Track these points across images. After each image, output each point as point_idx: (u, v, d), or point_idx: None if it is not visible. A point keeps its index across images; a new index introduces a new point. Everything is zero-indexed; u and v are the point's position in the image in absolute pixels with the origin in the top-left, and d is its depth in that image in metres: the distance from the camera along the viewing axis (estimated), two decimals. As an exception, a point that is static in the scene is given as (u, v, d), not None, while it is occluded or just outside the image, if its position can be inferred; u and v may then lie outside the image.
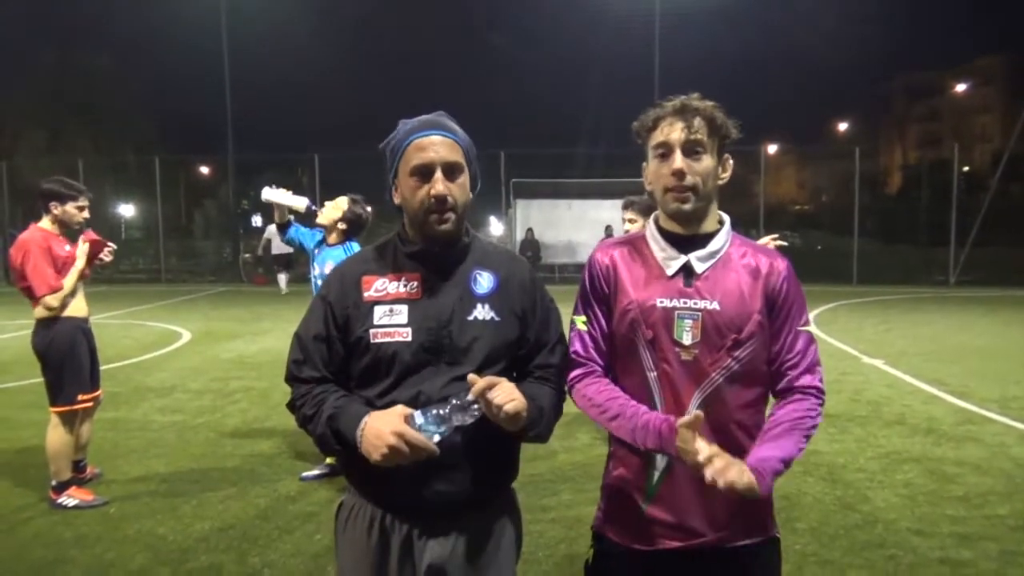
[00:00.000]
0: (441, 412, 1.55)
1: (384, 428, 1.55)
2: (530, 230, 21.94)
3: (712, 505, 1.70)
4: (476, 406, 1.56)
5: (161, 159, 24.69)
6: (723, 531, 1.72)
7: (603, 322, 1.82)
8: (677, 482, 1.72)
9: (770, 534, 1.78)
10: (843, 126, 47.15)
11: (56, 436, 4.42)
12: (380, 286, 1.74)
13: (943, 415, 6.37)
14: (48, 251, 4.27)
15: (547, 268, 22.50)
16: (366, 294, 1.73)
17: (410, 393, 1.67)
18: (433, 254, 1.75)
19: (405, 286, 1.73)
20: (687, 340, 1.70)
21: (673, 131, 1.70)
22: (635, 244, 1.83)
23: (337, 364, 1.76)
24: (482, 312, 1.73)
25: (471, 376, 1.58)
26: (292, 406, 1.78)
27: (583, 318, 1.87)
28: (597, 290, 1.83)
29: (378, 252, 1.82)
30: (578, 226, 21.63)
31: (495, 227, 28.87)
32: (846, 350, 9.69)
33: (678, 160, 1.69)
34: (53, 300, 4.27)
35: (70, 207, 4.37)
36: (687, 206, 1.71)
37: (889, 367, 8.52)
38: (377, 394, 1.70)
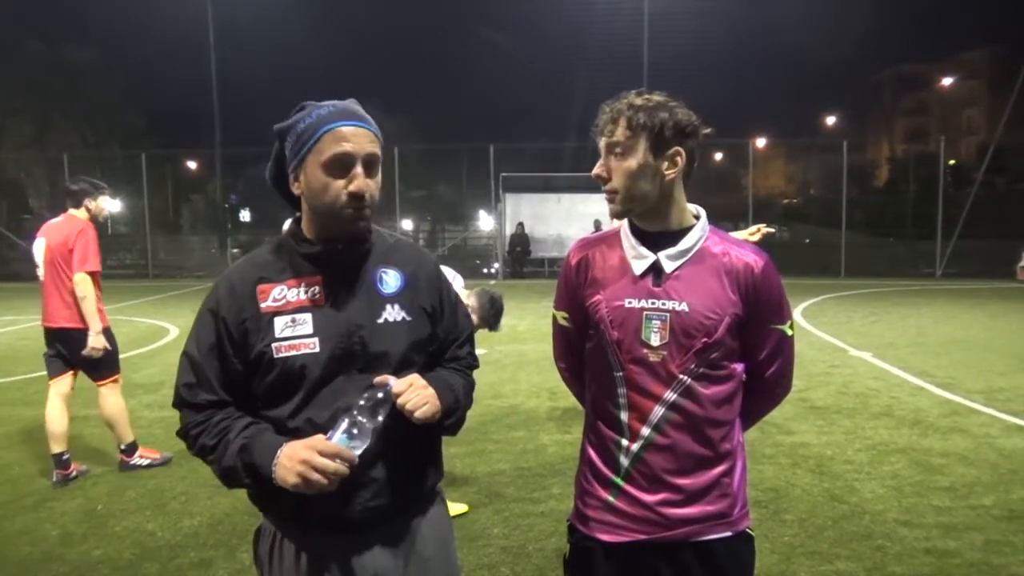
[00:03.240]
0: (349, 421, 1.46)
1: (298, 447, 1.45)
2: (520, 224, 21.96)
3: (677, 498, 1.70)
4: (383, 406, 1.49)
5: (148, 153, 24.51)
6: (690, 525, 1.71)
7: (579, 318, 1.83)
8: (643, 475, 1.71)
9: (740, 529, 1.76)
10: (831, 119, 47.32)
11: (114, 402, 4.92)
12: (278, 294, 1.57)
13: (930, 407, 6.42)
14: (96, 235, 4.81)
15: (537, 262, 22.53)
16: (263, 305, 1.56)
17: (326, 412, 1.54)
18: (334, 254, 1.60)
19: (306, 292, 1.58)
20: (655, 341, 1.68)
21: (601, 137, 1.70)
22: (609, 241, 1.81)
23: (235, 384, 1.59)
24: (392, 313, 1.62)
25: (377, 379, 1.52)
26: (185, 434, 1.60)
27: (563, 313, 1.88)
28: (572, 287, 1.83)
29: (271, 256, 1.64)
30: (567, 220, 21.65)
31: (484, 221, 28.81)
32: (834, 343, 9.75)
33: (596, 166, 1.71)
34: (87, 282, 4.66)
35: (100, 200, 4.96)
36: (615, 206, 1.71)
37: (876, 359, 8.58)
38: (289, 413, 1.56)
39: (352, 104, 1.61)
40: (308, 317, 1.56)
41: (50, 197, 28.86)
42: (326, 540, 1.60)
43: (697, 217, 1.77)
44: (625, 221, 1.81)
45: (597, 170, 1.70)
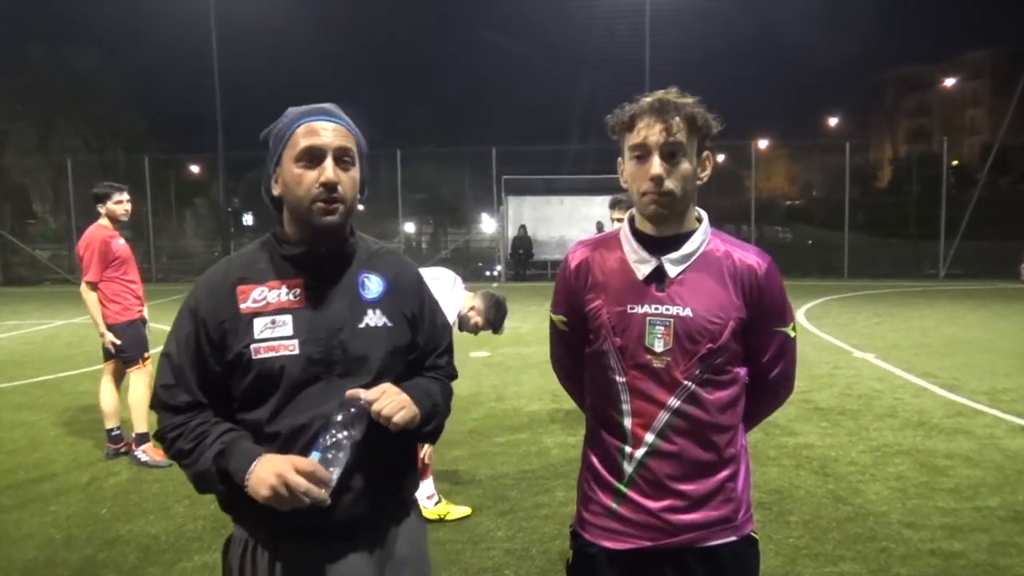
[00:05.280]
0: (328, 439, 1.44)
1: (277, 460, 1.43)
2: (523, 227, 22.00)
3: (682, 504, 1.68)
4: (360, 420, 1.46)
5: (151, 158, 24.54)
6: (695, 531, 1.69)
7: (578, 322, 1.80)
8: (647, 481, 1.69)
9: (745, 533, 1.74)
10: (833, 120, 47.43)
11: (136, 389, 5.22)
12: (259, 295, 1.55)
13: (934, 408, 6.41)
14: (108, 244, 5.12)
15: (539, 264, 22.54)
16: (243, 305, 1.54)
17: (304, 418, 1.52)
18: (316, 256, 1.58)
19: (287, 294, 1.56)
20: (659, 347, 1.65)
21: (651, 133, 1.59)
22: (609, 244, 1.78)
23: (213, 386, 1.56)
24: (374, 318, 1.60)
25: (349, 393, 1.49)
26: (162, 437, 1.57)
27: (562, 317, 1.85)
28: (571, 291, 1.80)
29: (252, 257, 1.63)
30: (570, 222, 21.68)
31: (487, 224, 28.83)
32: (837, 344, 9.74)
33: (656, 166, 1.60)
34: (88, 290, 5.06)
35: (110, 204, 5.21)
36: (661, 210, 1.64)
37: (880, 360, 8.56)
38: (266, 417, 1.53)
39: (329, 105, 1.63)
40: (288, 319, 1.55)
41: (54, 202, 28.92)
42: (300, 548, 1.57)
43: (699, 220, 1.74)
44: (626, 224, 1.78)
45: (659, 170, 1.59)
